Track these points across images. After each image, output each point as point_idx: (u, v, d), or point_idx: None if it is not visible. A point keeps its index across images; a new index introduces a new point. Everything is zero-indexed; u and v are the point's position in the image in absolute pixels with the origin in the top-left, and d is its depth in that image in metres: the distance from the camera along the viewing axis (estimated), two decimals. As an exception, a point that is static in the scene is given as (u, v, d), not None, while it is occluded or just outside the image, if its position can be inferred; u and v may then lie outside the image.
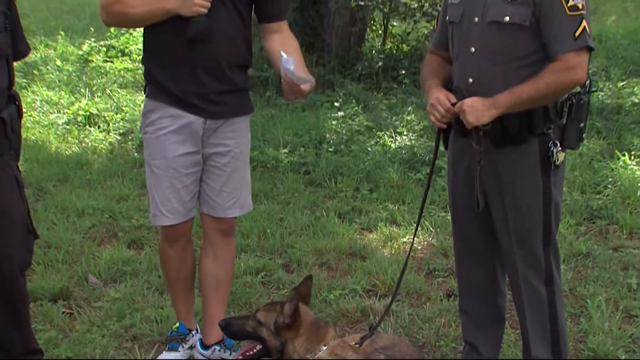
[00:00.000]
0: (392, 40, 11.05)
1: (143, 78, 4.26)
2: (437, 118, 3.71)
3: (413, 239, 4.40)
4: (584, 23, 3.49)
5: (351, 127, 8.28)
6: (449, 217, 4.45)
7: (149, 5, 3.90)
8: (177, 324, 4.39)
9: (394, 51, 10.74)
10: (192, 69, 3.93)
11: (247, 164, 4.26)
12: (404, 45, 10.87)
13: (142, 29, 4.14)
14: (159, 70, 4.04)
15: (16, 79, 3.81)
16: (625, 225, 5.92)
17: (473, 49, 3.67)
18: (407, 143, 7.76)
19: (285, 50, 3.94)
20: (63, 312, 4.81)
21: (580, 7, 3.48)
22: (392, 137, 7.92)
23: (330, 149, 7.66)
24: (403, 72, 10.03)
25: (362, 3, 10.13)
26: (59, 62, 11.21)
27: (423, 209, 4.26)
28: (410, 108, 8.82)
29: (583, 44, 3.50)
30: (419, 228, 5.91)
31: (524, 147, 3.68)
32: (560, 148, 3.68)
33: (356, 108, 8.84)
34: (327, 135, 8.00)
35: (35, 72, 10.56)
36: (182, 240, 4.25)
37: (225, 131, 4.06)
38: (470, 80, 3.68)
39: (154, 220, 4.22)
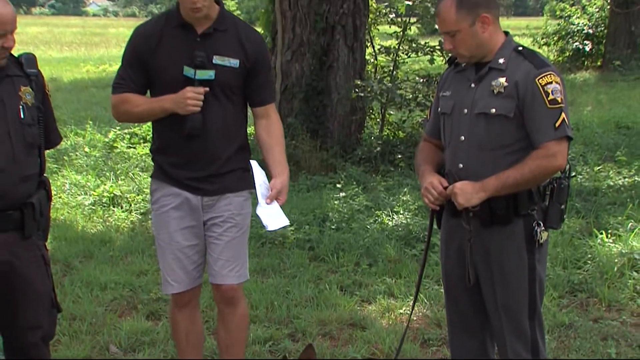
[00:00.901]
0: (389, 127, 11.09)
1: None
2: (431, 200, 3.75)
3: (411, 312, 4.36)
4: (563, 115, 3.54)
5: (352, 207, 8.26)
6: (442, 290, 4.42)
7: (150, 103, 4.01)
8: None
9: (391, 137, 10.79)
10: (188, 159, 4.01)
11: (245, 236, 4.22)
12: (400, 132, 10.91)
13: None
14: (161, 158, 4.14)
15: (48, 165, 3.85)
16: (604, 299, 5.85)
17: (463, 138, 3.71)
18: (403, 221, 7.73)
19: (269, 137, 4.12)
20: (86, 380, 4.75)
21: (560, 100, 3.54)
22: (390, 216, 7.89)
23: (333, 227, 7.63)
24: (399, 156, 10.05)
25: (362, 94, 10.19)
26: (87, 149, 11.27)
27: (420, 284, 4.24)
28: (406, 189, 8.82)
29: (563, 133, 3.55)
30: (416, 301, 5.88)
31: (510, 227, 3.69)
32: (543, 228, 3.69)
33: (356, 189, 8.83)
34: (330, 214, 7.98)
35: (65, 157, 10.61)
36: (189, 307, 4.25)
37: (221, 205, 4.07)
38: (461, 165, 3.71)
39: (163, 289, 4.27)
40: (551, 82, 3.53)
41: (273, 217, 3.94)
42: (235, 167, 4.09)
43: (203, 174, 4.01)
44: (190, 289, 4.19)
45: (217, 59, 3.92)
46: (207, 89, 3.88)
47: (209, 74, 3.88)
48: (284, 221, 3.97)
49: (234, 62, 3.95)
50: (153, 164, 4.23)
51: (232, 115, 4.05)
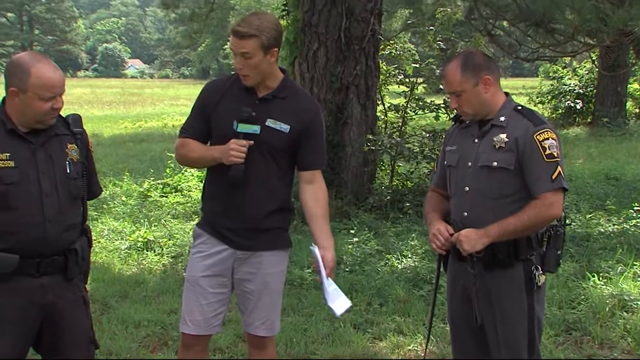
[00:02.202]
0: (398, 178, 11.07)
1: (192, 209, 4.26)
2: (438, 246, 3.75)
3: (425, 353, 4.29)
4: (559, 168, 3.56)
5: (364, 251, 8.20)
6: (447, 328, 4.36)
7: (203, 151, 3.97)
8: None
9: (400, 187, 10.75)
10: (227, 208, 3.93)
11: (277, 292, 4.09)
12: (408, 182, 10.88)
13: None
14: (207, 205, 4.08)
15: (89, 212, 3.83)
16: (597, 337, 5.78)
17: (467, 188, 3.71)
18: (412, 264, 7.67)
19: (315, 205, 3.99)
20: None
21: (556, 155, 3.56)
22: (399, 259, 7.83)
23: (347, 269, 7.58)
24: (408, 204, 10.00)
25: (373, 148, 10.19)
26: (124, 198, 11.27)
27: (431, 326, 4.17)
28: (414, 235, 8.76)
29: (559, 185, 3.55)
30: (422, 337, 5.81)
31: (510, 270, 3.66)
32: (541, 271, 3.66)
33: (368, 234, 8.79)
34: (344, 257, 7.92)
35: (104, 206, 10.61)
36: (194, 350, 4.05)
37: (253, 262, 3.96)
38: (465, 213, 3.71)
39: (180, 326, 4.09)
40: (548, 138, 3.56)
41: (336, 298, 3.77)
42: (272, 226, 3.97)
43: (240, 227, 3.91)
44: (204, 334, 4.03)
45: (269, 122, 3.86)
46: (252, 142, 3.81)
47: (253, 129, 3.82)
48: (348, 302, 3.81)
49: (285, 127, 3.87)
50: (201, 212, 4.17)
51: (276, 175, 3.95)
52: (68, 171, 3.57)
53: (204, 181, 4.19)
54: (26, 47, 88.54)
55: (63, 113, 3.72)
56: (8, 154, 3.43)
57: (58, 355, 3.64)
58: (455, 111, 3.86)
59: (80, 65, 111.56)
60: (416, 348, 5.67)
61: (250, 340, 4.15)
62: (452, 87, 3.71)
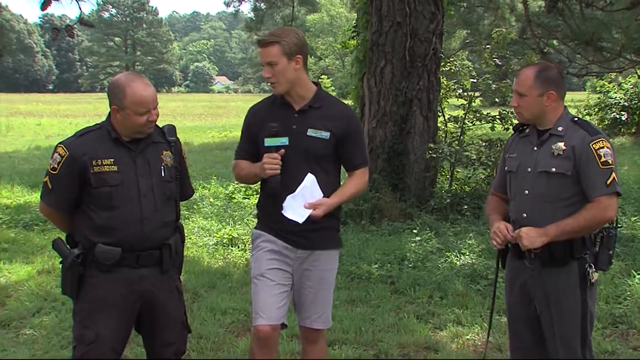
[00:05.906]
0: (456, 182, 10.94)
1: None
2: (498, 242, 3.67)
3: (485, 348, 4.18)
4: (614, 174, 3.47)
5: (426, 249, 8.12)
6: (502, 320, 4.26)
7: (249, 169, 3.91)
8: None
9: (459, 191, 10.62)
10: (280, 214, 3.82)
11: (330, 288, 4.00)
12: (466, 186, 10.74)
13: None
14: (262, 213, 4.02)
15: (181, 212, 3.85)
16: (642, 330, 5.63)
17: (527, 192, 3.64)
18: (469, 261, 7.56)
19: (348, 181, 3.93)
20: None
21: (610, 162, 3.48)
22: (457, 257, 7.72)
23: (410, 265, 7.50)
24: (465, 207, 9.88)
25: (434, 155, 10.10)
26: (211, 199, 11.40)
27: (491, 323, 4.07)
28: (471, 234, 8.64)
29: (613, 190, 3.46)
30: (479, 328, 5.69)
31: (566, 268, 3.57)
32: (594, 269, 3.56)
33: (429, 234, 8.69)
34: (408, 255, 7.85)
35: (195, 206, 10.74)
36: (269, 342, 3.87)
37: (311, 260, 3.88)
38: (525, 215, 3.63)
39: (252, 321, 3.92)
40: (603, 147, 3.49)
41: (295, 210, 3.72)
42: (323, 227, 3.87)
43: (297, 229, 3.81)
44: (275, 324, 3.87)
45: (310, 132, 3.79)
46: (283, 151, 3.74)
47: (281, 141, 3.75)
48: (299, 219, 3.71)
49: (325, 134, 3.80)
50: (258, 218, 4.09)
51: (322, 179, 3.84)
52: (162, 175, 3.63)
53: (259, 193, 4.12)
54: (129, 67, 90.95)
55: (159, 123, 3.77)
56: (112, 160, 3.51)
57: (156, 337, 3.70)
58: (516, 121, 3.79)
59: (174, 82, 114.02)
60: (474, 337, 5.57)
61: (305, 334, 4.06)
62: (520, 88, 3.64)
